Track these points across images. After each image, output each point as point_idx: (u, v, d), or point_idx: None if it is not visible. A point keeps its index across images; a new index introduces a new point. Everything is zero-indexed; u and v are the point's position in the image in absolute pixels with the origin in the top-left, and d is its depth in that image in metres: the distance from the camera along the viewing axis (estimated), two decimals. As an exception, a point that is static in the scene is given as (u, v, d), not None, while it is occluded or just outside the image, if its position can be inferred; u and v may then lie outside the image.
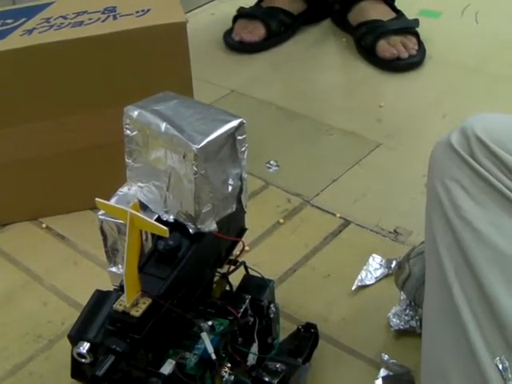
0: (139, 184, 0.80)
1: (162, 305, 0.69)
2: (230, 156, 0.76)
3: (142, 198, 0.79)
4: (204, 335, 0.71)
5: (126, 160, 0.80)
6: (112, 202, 0.78)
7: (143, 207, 0.78)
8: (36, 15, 1.22)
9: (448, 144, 0.82)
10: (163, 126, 0.74)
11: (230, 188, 0.77)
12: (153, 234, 0.76)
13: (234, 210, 0.79)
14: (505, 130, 0.79)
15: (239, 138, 0.75)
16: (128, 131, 0.78)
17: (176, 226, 0.76)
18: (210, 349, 0.71)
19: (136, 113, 0.76)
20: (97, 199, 0.68)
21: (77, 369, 0.75)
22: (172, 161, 0.74)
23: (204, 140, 0.71)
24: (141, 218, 0.66)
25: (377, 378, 0.96)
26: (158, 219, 0.77)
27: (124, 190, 0.82)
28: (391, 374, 0.96)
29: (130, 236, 0.66)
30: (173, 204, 0.77)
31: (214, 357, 0.71)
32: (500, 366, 0.68)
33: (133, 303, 0.68)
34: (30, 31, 1.17)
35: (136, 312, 0.67)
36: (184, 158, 0.72)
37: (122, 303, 0.68)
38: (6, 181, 1.25)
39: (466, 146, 0.79)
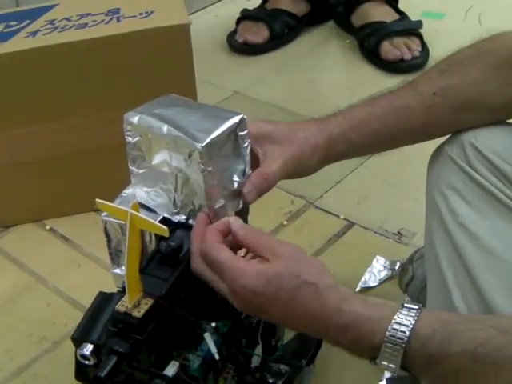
0: (145, 189, 0.79)
1: (164, 305, 0.69)
2: (234, 152, 0.76)
3: (150, 202, 0.79)
4: (207, 335, 0.71)
5: (130, 167, 0.79)
6: (116, 203, 0.78)
7: (149, 211, 0.79)
8: (40, 17, 1.22)
9: (444, 152, 0.83)
10: (165, 128, 0.74)
11: (235, 184, 0.77)
12: (156, 236, 0.76)
13: (241, 206, 0.79)
14: (499, 138, 0.80)
15: (241, 133, 0.75)
16: (129, 138, 0.77)
17: (182, 227, 0.76)
18: (213, 348, 0.71)
19: (136, 118, 0.76)
20: (97, 200, 0.68)
21: (81, 371, 0.75)
22: (177, 162, 0.74)
23: (207, 138, 0.72)
24: (141, 217, 0.65)
25: (381, 380, 0.96)
26: (166, 220, 0.77)
27: (128, 191, 0.82)
28: (395, 375, 0.95)
29: (131, 236, 0.66)
30: (184, 204, 0.77)
31: (217, 357, 0.71)
32: None
33: (135, 304, 0.68)
34: (34, 33, 1.17)
35: (138, 313, 0.67)
36: (189, 157, 0.72)
37: (124, 304, 0.68)
38: (10, 182, 1.26)
39: (462, 154, 0.80)
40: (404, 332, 0.61)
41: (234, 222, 0.71)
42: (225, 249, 0.68)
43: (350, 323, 0.63)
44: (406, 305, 0.63)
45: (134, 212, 0.65)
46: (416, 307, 0.62)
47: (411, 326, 0.61)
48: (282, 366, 0.84)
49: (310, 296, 0.65)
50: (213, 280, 0.69)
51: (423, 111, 0.81)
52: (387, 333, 0.61)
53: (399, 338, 0.61)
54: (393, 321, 0.62)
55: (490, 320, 0.64)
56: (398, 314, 0.62)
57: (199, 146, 0.71)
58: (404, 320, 0.61)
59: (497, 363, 0.58)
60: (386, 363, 0.62)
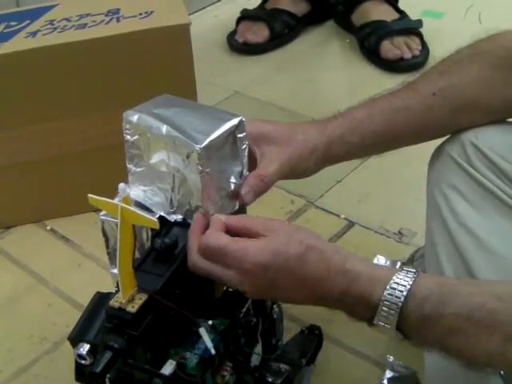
0: (142, 188, 0.80)
1: (159, 301, 0.69)
2: (231, 154, 0.76)
3: (147, 201, 0.79)
4: (202, 330, 0.71)
5: (128, 165, 0.80)
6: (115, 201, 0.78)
7: (147, 210, 0.79)
8: (40, 17, 1.22)
9: (445, 151, 0.83)
10: (164, 128, 0.74)
11: (232, 186, 0.77)
12: (153, 230, 0.76)
13: (237, 207, 0.79)
14: (499, 137, 0.80)
15: (239, 135, 0.75)
16: (128, 136, 0.78)
17: (177, 225, 0.76)
18: (209, 343, 0.71)
19: (136, 117, 0.76)
20: (89, 195, 0.67)
21: (81, 372, 0.75)
22: (175, 162, 0.75)
23: (206, 139, 0.72)
24: (131, 210, 0.65)
25: (382, 379, 0.96)
26: (162, 218, 0.77)
27: (120, 187, 0.82)
28: (396, 375, 0.96)
29: (122, 230, 0.65)
30: (180, 203, 0.77)
31: (213, 351, 0.70)
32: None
33: (129, 299, 0.67)
34: (34, 33, 1.17)
35: (132, 308, 0.67)
36: (187, 158, 0.72)
37: (118, 299, 0.68)
38: (10, 183, 1.26)
39: (463, 153, 0.80)
40: (401, 291, 0.63)
41: (220, 215, 0.73)
42: (223, 235, 0.69)
43: (352, 282, 0.65)
44: (404, 268, 0.65)
45: (124, 205, 0.65)
46: (414, 270, 0.64)
47: (408, 287, 0.63)
48: (282, 366, 0.83)
49: (316, 259, 0.67)
50: (216, 271, 0.69)
51: (423, 111, 0.81)
52: (385, 292, 0.63)
53: (396, 297, 0.63)
54: (391, 281, 0.64)
55: (486, 285, 0.66)
56: (396, 274, 0.64)
57: (198, 147, 0.71)
58: (402, 281, 0.63)
59: (490, 326, 0.60)
60: (382, 323, 0.64)
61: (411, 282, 0.63)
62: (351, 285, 0.65)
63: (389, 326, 0.64)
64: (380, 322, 0.64)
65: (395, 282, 0.63)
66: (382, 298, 0.63)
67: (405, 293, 0.62)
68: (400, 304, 0.62)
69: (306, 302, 0.70)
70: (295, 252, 0.67)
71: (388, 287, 0.63)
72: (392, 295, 0.63)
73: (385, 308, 0.63)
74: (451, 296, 0.62)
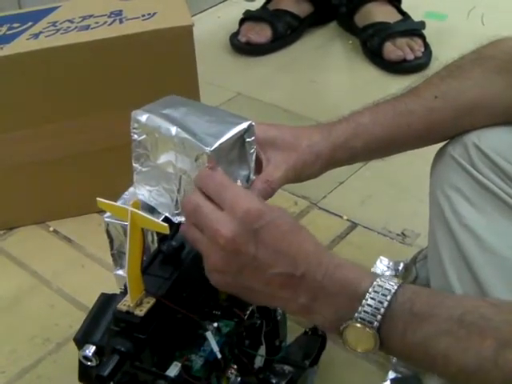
0: (147, 188, 0.80)
1: (166, 305, 0.69)
2: (239, 158, 0.76)
3: (151, 201, 0.79)
4: (209, 334, 0.71)
5: (134, 164, 0.79)
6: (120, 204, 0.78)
7: (151, 210, 0.79)
8: (42, 19, 1.22)
9: (447, 153, 0.83)
10: (174, 129, 0.73)
11: None
12: (158, 234, 0.76)
13: None
14: (502, 138, 0.80)
15: (248, 140, 0.75)
16: (136, 135, 0.77)
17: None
18: (215, 347, 0.71)
19: (145, 117, 0.76)
20: (98, 199, 0.67)
21: (84, 372, 0.75)
22: (182, 163, 0.74)
23: (216, 142, 0.71)
24: (141, 215, 0.65)
25: (385, 381, 0.96)
26: (168, 221, 0.77)
27: (129, 192, 0.82)
28: (399, 376, 0.96)
29: (132, 234, 0.66)
30: None
31: (219, 355, 0.71)
32: None
33: (136, 303, 0.68)
34: (36, 35, 1.17)
35: (140, 311, 0.67)
36: (196, 160, 0.72)
37: (126, 303, 0.68)
38: (13, 184, 1.26)
39: (465, 155, 0.80)
40: (392, 285, 0.60)
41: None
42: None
43: (338, 268, 0.63)
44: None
45: (134, 210, 0.65)
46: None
47: (398, 283, 0.60)
48: (286, 367, 0.84)
49: (306, 233, 0.66)
50: (206, 209, 0.66)
51: (425, 115, 0.82)
52: (374, 282, 0.60)
53: (386, 289, 0.60)
54: (380, 276, 0.61)
55: (481, 297, 0.65)
56: (383, 276, 0.62)
57: (208, 150, 0.71)
58: (391, 279, 0.61)
59: (483, 331, 0.57)
60: (364, 319, 0.60)
61: (399, 282, 0.61)
62: (337, 270, 0.63)
63: (370, 325, 0.60)
64: (361, 319, 0.60)
65: (385, 277, 0.61)
66: (371, 289, 0.60)
67: (395, 286, 0.60)
68: (389, 297, 0.59)
69: (278, 281, 0.64)
70: (288, 219, 0.66)
71: (378, 279, 0.61)
72: (382, 287, 0.60)
73: (371, 300, 0.60)
74: (442, 298, 0.61)
